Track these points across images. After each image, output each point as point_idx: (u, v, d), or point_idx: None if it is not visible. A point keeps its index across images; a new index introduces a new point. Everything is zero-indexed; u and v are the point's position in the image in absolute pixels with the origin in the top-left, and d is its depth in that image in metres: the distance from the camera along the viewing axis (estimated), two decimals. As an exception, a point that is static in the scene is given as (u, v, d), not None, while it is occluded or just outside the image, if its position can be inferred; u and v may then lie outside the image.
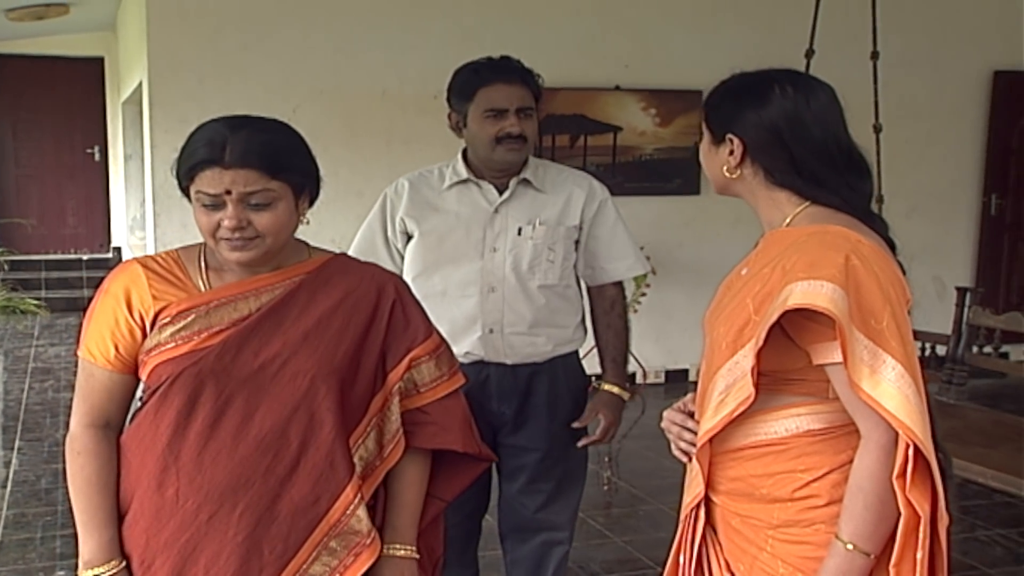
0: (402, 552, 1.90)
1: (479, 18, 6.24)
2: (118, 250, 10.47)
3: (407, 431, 1.91)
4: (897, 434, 1.55)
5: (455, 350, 2.59)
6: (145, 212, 7.82)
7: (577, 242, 2.76)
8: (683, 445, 1.82)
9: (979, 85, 7.20)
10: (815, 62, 4.40)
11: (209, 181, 1.72)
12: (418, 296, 2.67)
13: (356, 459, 1.85)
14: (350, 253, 2.40)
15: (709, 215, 6.64)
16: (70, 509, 1.85)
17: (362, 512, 1.82)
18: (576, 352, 2.83)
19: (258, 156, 1.72)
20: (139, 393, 1.87)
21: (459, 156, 2.76)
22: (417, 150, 6.12)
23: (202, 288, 1.81)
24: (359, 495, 1.82)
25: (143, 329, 1.79)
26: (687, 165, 6.73)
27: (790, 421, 1.68)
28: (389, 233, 2.79)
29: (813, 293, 1.56)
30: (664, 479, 4.93)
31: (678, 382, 6.92)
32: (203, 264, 1.84)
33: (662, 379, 6.91)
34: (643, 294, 6.38)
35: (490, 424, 2.70)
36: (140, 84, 6.93)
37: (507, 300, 2.68)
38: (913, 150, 6.67)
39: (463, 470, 2.01)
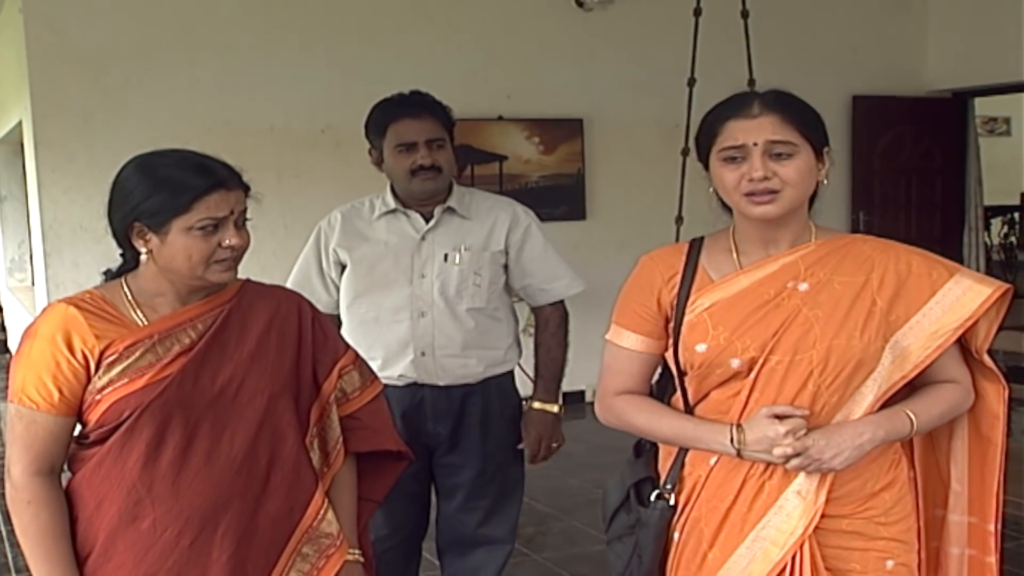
0: (351, 556, 1.98)
1: (363, 54, 6.34)
2: (-5, 293, 10.17)
3: (343, 437, 2.00)
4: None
5: (389, 373, 2.69)
6: (32, 252, 7.65)
7: (506, 267, 2.84)
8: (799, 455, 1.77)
9: (840, 109, 7.59)
10: (696, 90, 4.65)
11: (216, 204, 1.77)
12: (354, 322, 2.76)
13: None
14: (287, 285, 2.50)
15: (595, 240, 6.85)
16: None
17: (331, 515, 1.93)
18: (510, 373, 2.92)
19: (240, 176, 1.83)
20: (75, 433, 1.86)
21: (387, 187, 2.84)
22: (308, 183, 6.19)
23: (139, 322, 1.83)
24: (326, 499, 1.93)
25: (87, 369, 1.79)
26: (572, 191, 6.94)
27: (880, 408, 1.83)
28: (324, 264, 2.86)
29: (987, 280, 1.82)
30: (572, 497, 5.08)
31: (575, 403, 7.05)
32: (132, 299, 1.85)
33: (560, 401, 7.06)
34: (535, 318, 6.54)
35: (426, 445, 2.78)
36: (19, 124, 6.80)
37: (437, 324, 2.76)
38: (784, 171, 7.00)
39: (387, 470, 2.12)
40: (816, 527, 1.79)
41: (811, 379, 1.78)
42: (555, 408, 2.90)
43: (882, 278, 1.81)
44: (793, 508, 1.78)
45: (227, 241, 1.80)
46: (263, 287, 2.00)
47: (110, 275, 1.93)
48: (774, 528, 1.79)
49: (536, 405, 2.90)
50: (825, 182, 1.86)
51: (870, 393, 1.79)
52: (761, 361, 1.79)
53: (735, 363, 1.81)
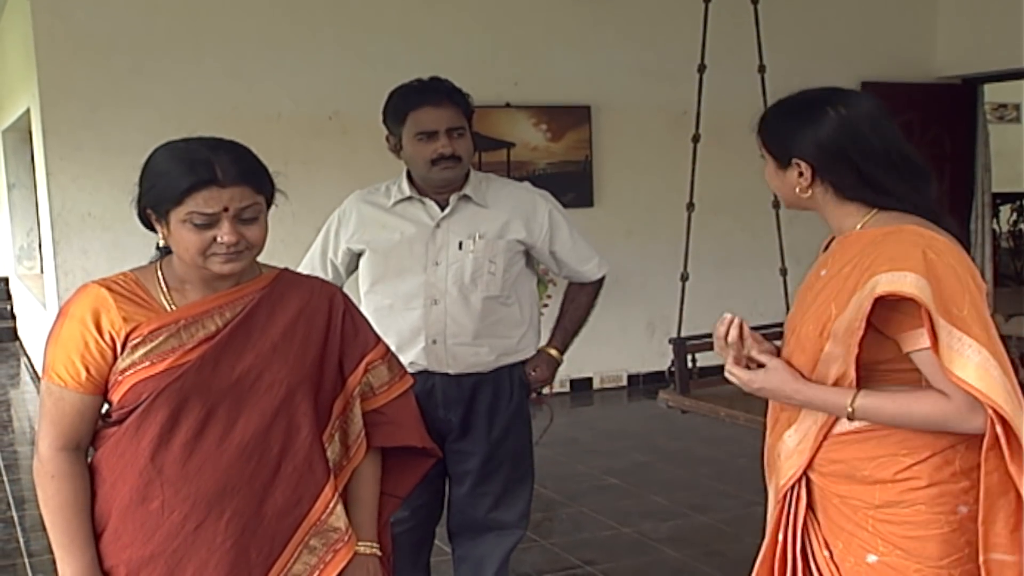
0: (366, 549, 1.99)
1: (371, 40, 6.34)
2: (5, 280, 10.21)
3: (367, 432, 2.01)
4: (985, 414, 1.69)
5: (402, 360, 2.72)
6: (40, 240, 7.66)
7: (527, 254, 2.86)
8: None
9: (849, 95, 7.58)
10: (705, 76, 4.63)
11: (206, 201, 1.77)
12: (370, 309, 2.77)
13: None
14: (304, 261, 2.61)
15: (603, 227, 6.84)
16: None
17: (340, 510, 1.93)
18: (524, 363, 2.92)
19: (250, 173, 1.82)
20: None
21: (404, 174, 2.84)
22: (315, 170, 6.19)
23: (167, 307, 1.86)
24: (336, 493, 1.93)
25: (114, 350, 1.82)
26: (580, 178, 6.93)
27: None
28: (329, 248, 2.89)
29: (898, 282, 1.70)
30: (579, 483, 5.09)
31: (583, 391, 7.09)
32: (164, 284, 1.88)
33: (567, 388, 7.05)
34: (545, 305, 6.54)
35: (438, 431, 2.78)
36: (27, 112, 6.81)
37: (449, 312, 2.77)
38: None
39: (413, 466, 2.12)
40: (818, 487, 1.90)
41: (793, 357, 1.91)
42: (561, 357, 3.01)
43: (846, 275, 1.80)
44: (784, 449, 1.94)
45: (221, 237, 1.79)
46: (298, 277, 2.02)
47: (161, 253, 1.93)
48: (783, 459, 1.95)
49: (547, 349, 2.98)
50: (797, 191, 1.90)
51: (828, 376, 1.84)
52: (785, 337, 1.98)
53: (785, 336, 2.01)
